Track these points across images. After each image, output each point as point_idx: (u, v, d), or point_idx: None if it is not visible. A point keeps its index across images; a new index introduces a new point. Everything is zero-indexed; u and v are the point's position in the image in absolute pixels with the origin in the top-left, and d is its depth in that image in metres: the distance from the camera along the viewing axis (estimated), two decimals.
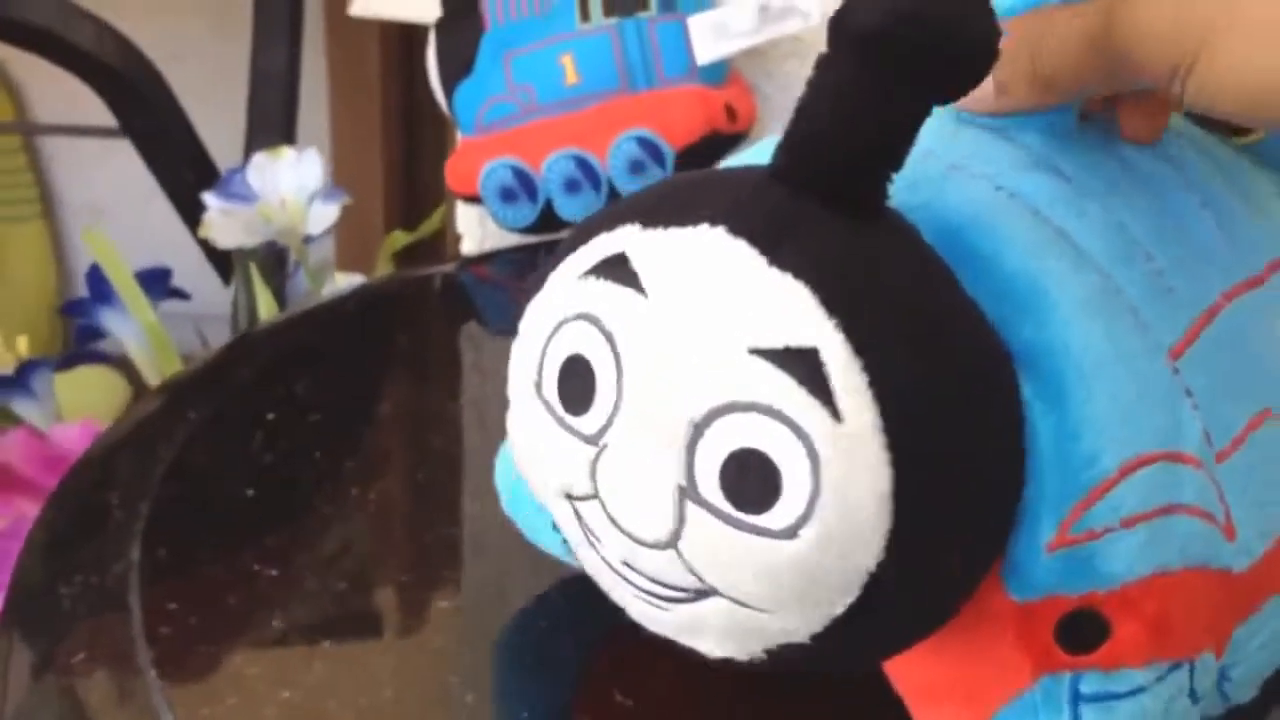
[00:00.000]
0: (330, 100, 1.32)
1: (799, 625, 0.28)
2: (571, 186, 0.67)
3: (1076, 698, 0.31)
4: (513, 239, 0.72)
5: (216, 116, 1.09)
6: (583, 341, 0.29)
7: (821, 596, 0.28)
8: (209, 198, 0.80)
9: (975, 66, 0.26)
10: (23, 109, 1.50)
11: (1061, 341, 0.30)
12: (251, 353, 0.59)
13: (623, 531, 0.29)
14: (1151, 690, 0.31)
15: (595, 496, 0.29)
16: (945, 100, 0.27)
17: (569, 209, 0.68)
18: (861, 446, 0.26)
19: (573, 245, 0.30)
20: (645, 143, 0.66)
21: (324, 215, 0.79)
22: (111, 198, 1.47)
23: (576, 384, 0.29)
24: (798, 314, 0.26)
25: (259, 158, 0.81)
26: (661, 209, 0.29)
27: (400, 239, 1.00)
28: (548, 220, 0.69)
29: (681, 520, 0.28)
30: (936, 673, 0.32)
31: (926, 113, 0.27)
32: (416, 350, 0.62)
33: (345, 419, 0.53)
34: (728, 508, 0.27)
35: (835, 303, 0.26)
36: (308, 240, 0.84)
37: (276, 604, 0.43)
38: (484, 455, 0.52)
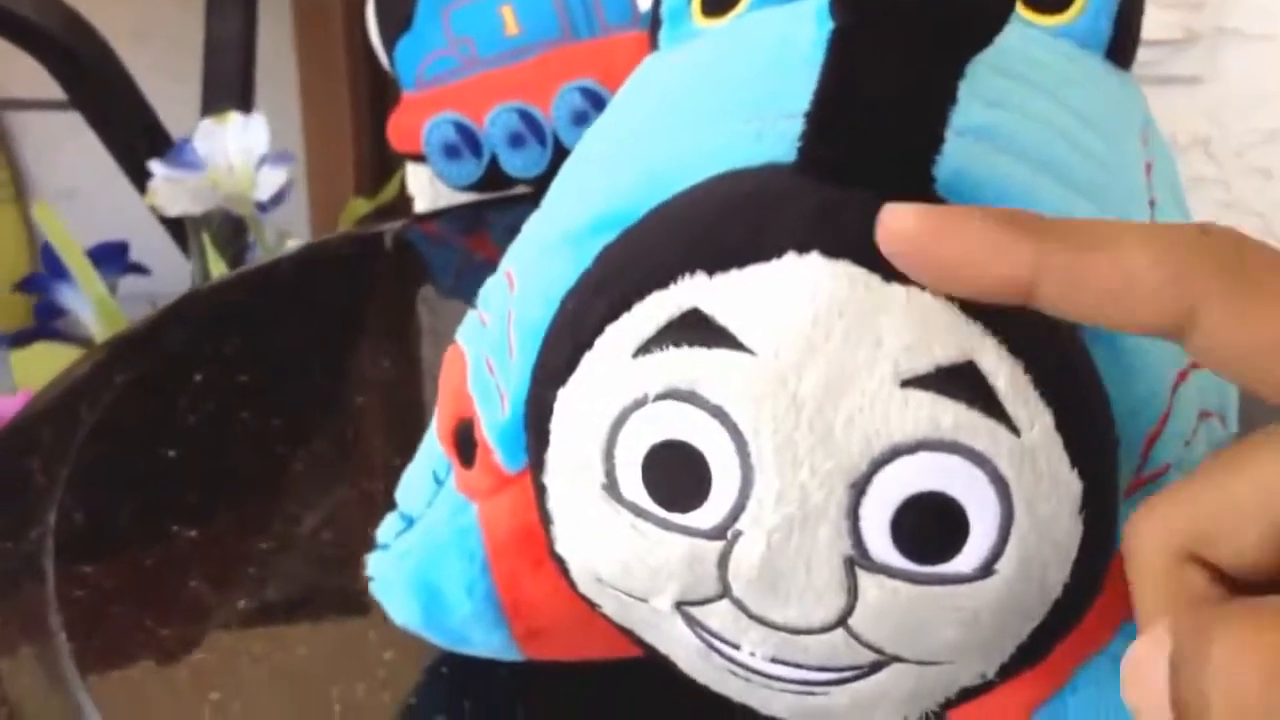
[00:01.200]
0: (298, 67, 1.31)
1: (985, 666, 0.26)
2: (516, 140, 0.66)
3: None
4: (466, 198, 0.71)
5: (182, 92, 1.08)
6: (676, 425, 0.24)
7: (1015, 629, 0.25)
8: (155, 165, 0.79)
9: (1002, 13, 0.23)
10: None
11: None
12: (187, 315, 0.58)
13: (772, 626, 0.25)
14: None
15: (724, 596, 0.25)
16: (975, 54, 0.23)
17: (514, 164, 0.67)
18: (1045, 456, 0.23)
19: (601, 315, 0.25)
20: (589, 93, 0.65)
21: (273, 180, 0.78)
22: (84, 178, 1.46)
23: (677, 475, 0.24)
24: (939, 328, 0.23)
25: (205, 124, 0.80)
26: (722, 246, 0.24)
27: (361, 206, 0.99)
28: (494, 176, 0.67)
29: (854, 594, 0.24)
30: None
31: (961, 75, 0.23)
32: (356, 309, 0.61)
33: (275, 379, 0.52)
34: (908, 565, 0.24)
35: (975, 305, 0.23)
36: (262, 207, 0.83)
37: (193, 565, 0.42)
38: (414, 413, 0.51)
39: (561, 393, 0.26)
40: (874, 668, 0.25)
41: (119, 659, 0.38)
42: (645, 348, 0.24)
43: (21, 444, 0.49)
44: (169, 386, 0.51)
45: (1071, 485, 0.24)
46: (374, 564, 0.35)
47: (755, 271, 0.24)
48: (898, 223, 0.23)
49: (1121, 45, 0.37)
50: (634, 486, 0.25)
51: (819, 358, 0.23)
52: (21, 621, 0.40)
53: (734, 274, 0.24)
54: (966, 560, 0.23)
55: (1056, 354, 0.24)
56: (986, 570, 0.24)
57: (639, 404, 0.24)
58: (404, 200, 1.10)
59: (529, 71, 0.66)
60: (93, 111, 0.95)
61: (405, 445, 0.48)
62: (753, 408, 0.23)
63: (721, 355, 0.23)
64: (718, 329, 0.24)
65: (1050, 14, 0.36)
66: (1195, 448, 0.28)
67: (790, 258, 0.23)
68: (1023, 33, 0.35)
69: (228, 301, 0.61)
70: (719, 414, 0.23)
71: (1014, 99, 0.30)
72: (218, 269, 0.86)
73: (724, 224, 0.25)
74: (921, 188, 0.24)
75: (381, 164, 1.30)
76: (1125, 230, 0.21)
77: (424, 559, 0.33)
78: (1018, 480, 0.23)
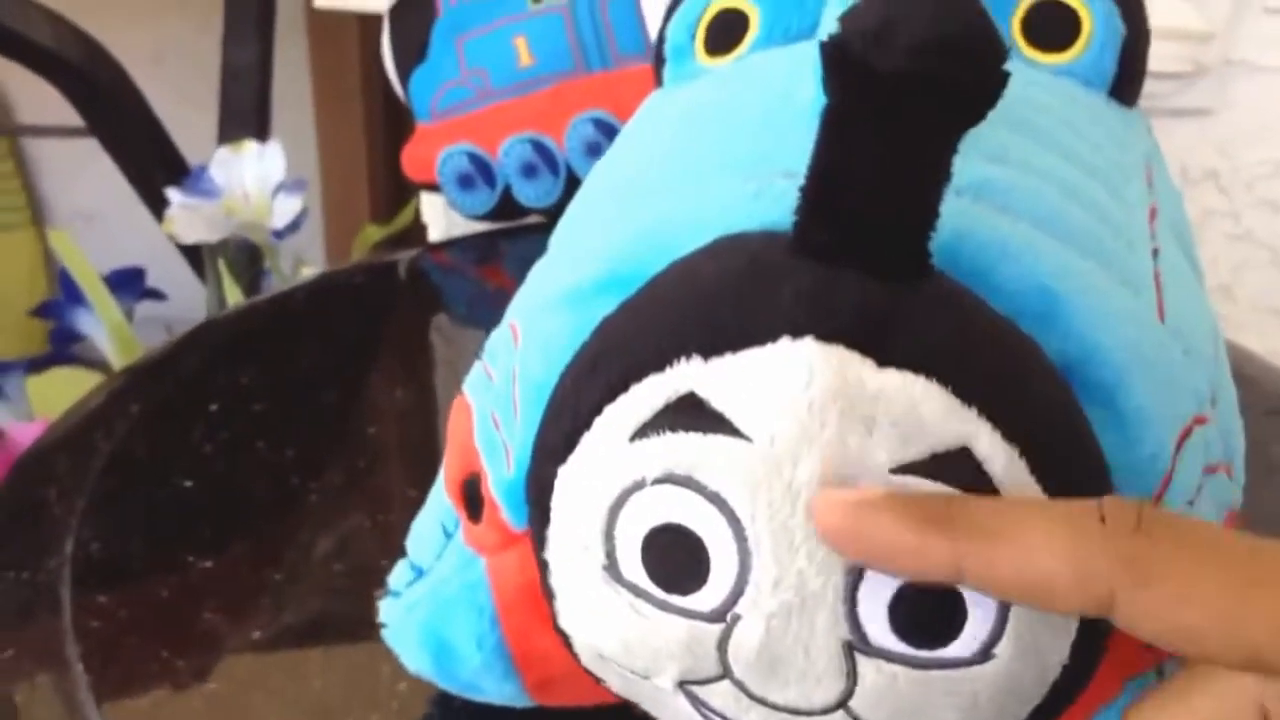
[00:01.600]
0: (314, 95, 1.31)
1: None
2: (529, 171, 0.67)
3: None
4: (479, 227, 0.71)
5: (197, 118, 1.09)
6: (674, 509, 0.24)
7: (1015, 711, 0.25)
8: (172, 193, 0.79)
9: (996, 88, 0.22)
10: (6, 114, 1.50)
11: (1092, 345, 0.26)
12: (203, 344, 0.58)
13: (773, 707, 0.25)
14: None
15: (724, 677, 0.25)
16: (968, 129, 0.23)
17: (527, 194, 0.67)
18: None
19: (599, 396, 0.25)
20: (601, 124, 0.65)
21: (288, 208, 0.78)
22: (100, 204, 1.47)
23: (676, 558, 0.24)
24: (933, 413, 0.23)
25: (222, 152, 0.81)
26: (716, 329, 0.24)
27: (375, 233, 1.00)
28: (507, 206, 0.68)
29: (853, 677, 0.24)
30: None
31: (955, 151, 0.23)
32: (370, 338, 0.61)
33: (290, 409, 0.53)
34: (907, 649, 0.24)
35: (969, 389, 0.23)
36: (278, 234, 0.84)
37: (208, 596, 0.42)
38: (429, 443, 0.51)
39: (561, 471, 0.26)
40: None
41: (135, 689, 0.38)
42: (642, 431, 0.24)
43: (38, 474, 0.49)
44: (185, 416, 0.52)
45: None
46: (385, 611, 0.36)
47: (750, 356, 0.24)
48: (824, 518, 0.23)
49: (1126, 82, 0.37)
50: (634, 568, 0.25)
51: (814, 445, 0.23)
52: (38, 651, 0.40)
53: (729, 358, 0.24)
54: (964, 645, 0.24)
55: (1053, 436, 0.24)
56: (985, 654, 0.24)
57: (637, 487, 0.24)
58: (418, 227, 1.11)
59: (542, 102, 0.66)
60: (110, 138, 0.95)
61: (419, 476, 0.48)
62: (749, 495, 0.23)
63: (718, 441, 0.24)
64: (713, 414, 0.24)
65: (1053, 52, 0.36)
66: (1200, 505, 0.29)
67: (785, 342, 0.23)
68: (1024, 75, 0.35)
69: (243, 330, 0.61)
70: (716, 500, 0.24)
71: (1014, 152, 0.30)
72: (234, 296, 0.86)
73: (718, 305, 0.24)
74: (917, 265, 0.24)
75: (396, 191, 1.31)
76: (1033, 528, 0.22)
77: (433, 611, 0.34)
78: None
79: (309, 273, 0.86)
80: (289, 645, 0.40)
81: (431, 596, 0.34)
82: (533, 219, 0.69)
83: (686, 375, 0.24)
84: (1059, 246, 0.27)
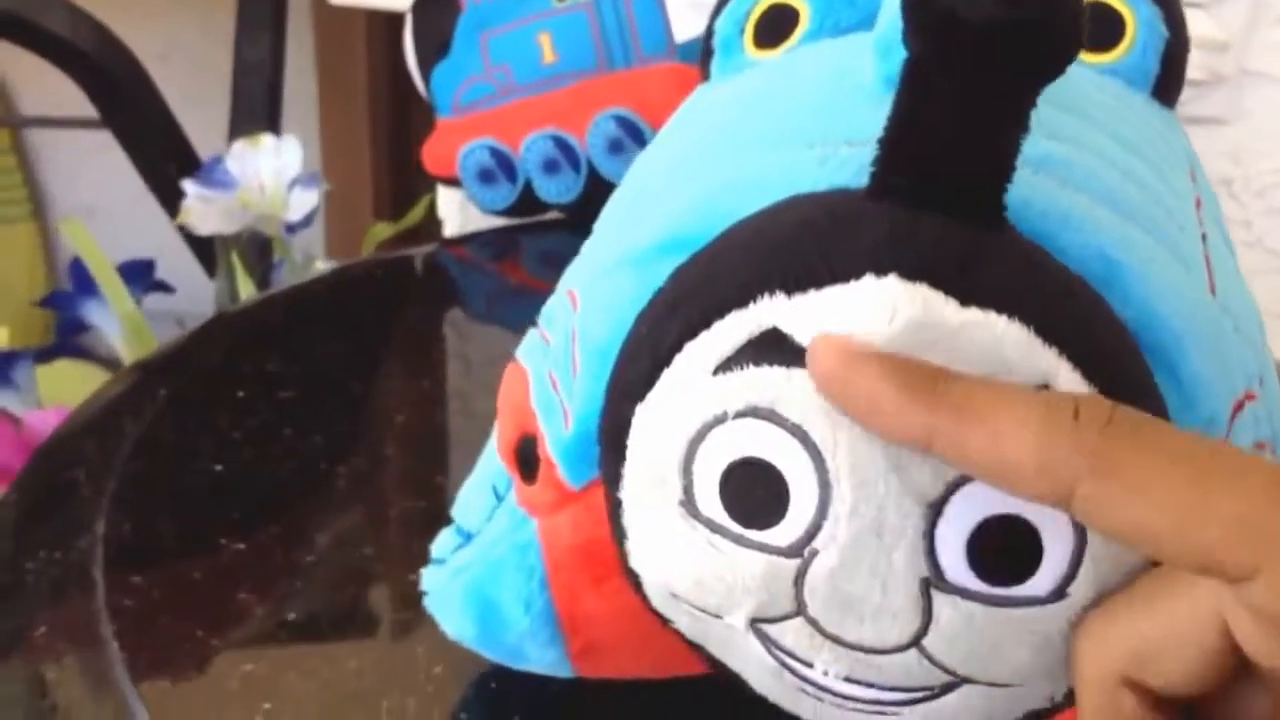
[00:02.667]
0: (319, 91, 1.32)
1: (1053, 689, 0.26)
2: (550, 167, 0.67)
3: None
4: (494, 223, 0.71)
5: (205, 115, 1.09)
6: (754, 442, 0.24)
7: None
8: (188, 185, 0.79)
9: (1076, 43, 0.23)
10: (9, 106, 1.50)
11: (1151, 311, 0.26)
12: (224, 333, 0.59)
13: (846, 645, 0.25)
14: None
15: (799, 614, 0.26)
16: (1048, 83, 0.23)
17: (548, 190, 0.67)
18: None
19: (679, 333, 0.25)
20: (624, 122, 0.66)
21: (304, 201, 0.79)
22: (102, 198, 1.47)
23: (755, 492, 0.25)
24: (1015, 351, 0.23)
25: (238, 145, 0.81)
26: (801, 267, 0.24)
27: (383, 231, 1.00)
28: (527, 201, 0.68)
29: (928, 614, 0.24)
30: None
31: (1034, 104, 0.24)
32: (390, 330, 0.61)
33: (316, 397, 0.53)
34: (983, 587, 0.24)
35: (1049, 329, 0.23)
36: (290, 228, 0.84)
37: (241, 577, 0.42)
38: (453, 432, 0.51)
39: (639, 409, 0.26)
40: (945, 689, 0.26)
41: (170, 668, 0.39)
42: (725, 366, 0.25)
43: (65, 457, 0.49)
44: (211, 402, 0.52)
45: None
46: (428, 578, 0.36)
47: (834, 292, 0.24)
48: (818, 359, 0.24)
49: (1168, 84, 0.37)
50: (712, 503, 0.25)
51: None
52: (71, 630, 0.40)
53: (812, 294, 0.24)
54: (1041, 583, 0.24)
55: (1129, 380, 0.24)
56: (1060, 593, 0.24)
57: (718, 421, 0.25)
58: (426, 225, 1.11)
59: (565, 99, 0.67)
60: (123, 130, 0.95)
61: (444, 465, 0.49)
62: (831, 427, 0.24)
63: (801, 374, 0.24)
64: (797, 349, 0.24)
65: (1099, 52, 0.37)
66: None
67: (869, 279, 0.24)
68: (1074, 69, 0.35)
69: (263, 321, 0.61)
70: (798, 432, 0.24)
71: (1070, 132, 0.30)
72: (246, 289, 0.86)
73: (800, 245, 0.25)
74: (993, 215, 0.25)
75: (400, 188, 1.31)
76: (1006, 411, 0.22)
77: (481, 573, 0.34)
78: None
79: (321, 266, 0.86)
80: (324, 627, 0.41)
81: (480, 558, 0.34)
82: (552, 215, 0.69)
83: (770, 311, 0.24)
84: (1118, 219, 0.28)
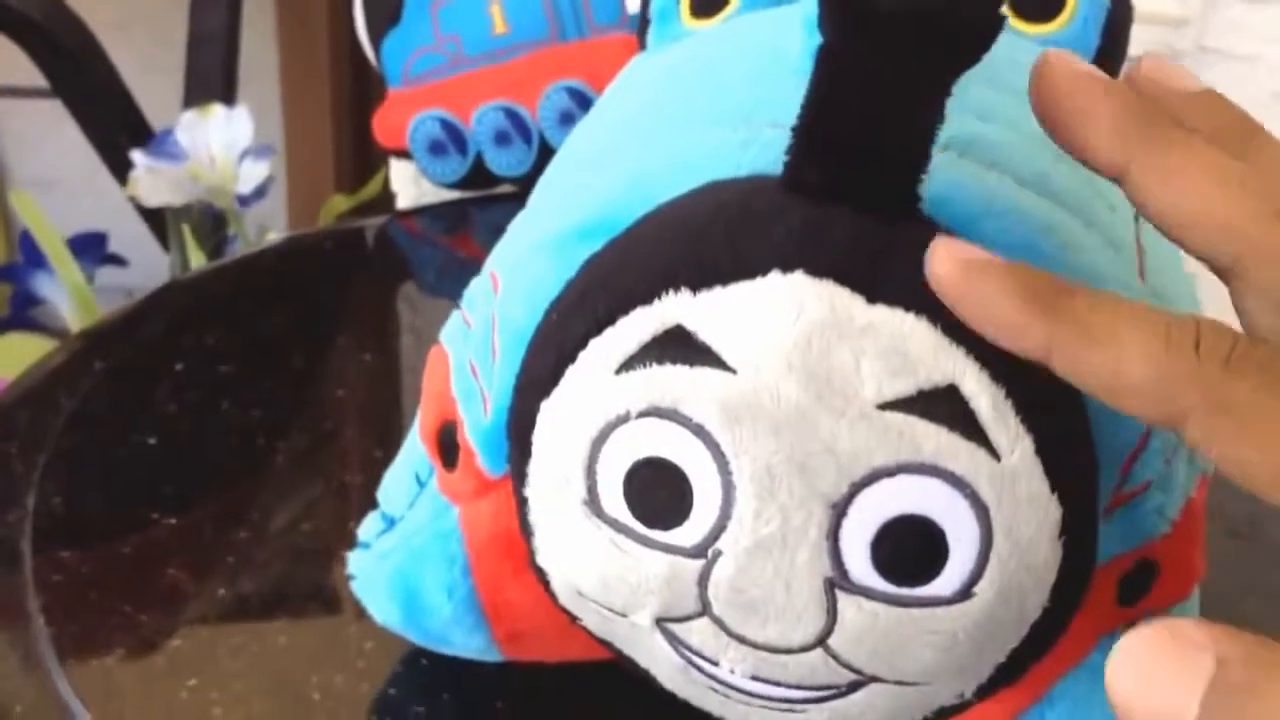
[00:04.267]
0: (280, 62, 1.30)
1: (962, 687, 0.26)
2: (502, 139, 0.66)
3: None
4: (449, 196, 0.71)
5: (161, 84, 1.07)
6: (657, 442, 0.24)
7: (993, 651, 0.25)
8: (137, 155, 0.78)
9: (991, 31, 0.22)
10: None
11: None
12: (168, 304, 0.58)
13: (751, 645, 0.25)
14: (1194, 614, 0.30)
15: (704, 614, 0.25)
16: (963, 72, 0.23)
17: (500, 162, 0.67)
18: (1025, 481, 0.23)
19: (584, 329, 0.25)
20: (576, 93, 0.65)
21: (254, 173, 0.78)
22: (59, 170, 1.45)
23: (658, 493, 0.24)
24: (922, 350, 0.23)
25: (188, 116, 0.80)
26: (706, 262, 0.24)
27: (341, 203, 0.99)
28: (478, 174, 0.67)
29: (833, 615, 0.24)
30: None
31: (949, 93, 0.23)
32: (338, 302, 0.61)
33: (255, 370, 0.52)
34: (888, 587, 0.24)
35: (956, 328, 0.23)
36: (243, 201, 0.83)
37: (172, 553, 0.41)
38: (396, 407, 0.51)
39: (544, 405, 0.26)
40: (852, 687, 0.25)
41: (97, 644, 0.38)
42: (628, 364, 0.24)
43: None
44: (149, 375, 0.51)
45: (1051, 510, 0.24)
46: (354, 562, 0.35)
47: (739, 289, 0.23)
48: (938, 264, 0.23)
49: (1109, 56, 0.37)
50: (615, 503, 0.25)
51: (801, 378, 0.23)
52: None
53: (718, 291, 0.24)
54: (946, 583, 0.24)
55: (1037, 379, 0.24)
56: (965, 593, 0.24)
57: (621, 420, 0.24)
58: (384, 198, 1.10)
59: (516, 71, 0.66)
60: (74, 99, 0.94)
61: (385, 439, 0.48)
62: (734, 427, 0.23)
63: (704, 374, 0.23)
64: (700, 347, 0.23)
65: (1038, 23, 0.37)
66: (1176, 465, 0.29)
67: (775, 276, 0.23)
68: (1011, 41, 0.35)
69: (208, 292, 0.60)
70: (700, 433, 0.23)
71: (1001, 111, 0.30)
72: (197, 261, 0.85)
73: (708, 240, 0.24)
74: (908, 205, 0.24)
75: (362, 161, 1.30)
76: (1129, 333, 0.22)
77: (404, 561, 0.33)
78: (998, 504, 0.23)
79: (274, 239, 0.85)
80: (254, 604, 0.40)
81: (403, 546, 0.33)
82: (504, 188, 0.69)
83: (674, 308, 0.24)
84: (1044, 203, 0.27)
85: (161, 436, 0.47)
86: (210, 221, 0.91)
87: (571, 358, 0.25)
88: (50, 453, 0.46)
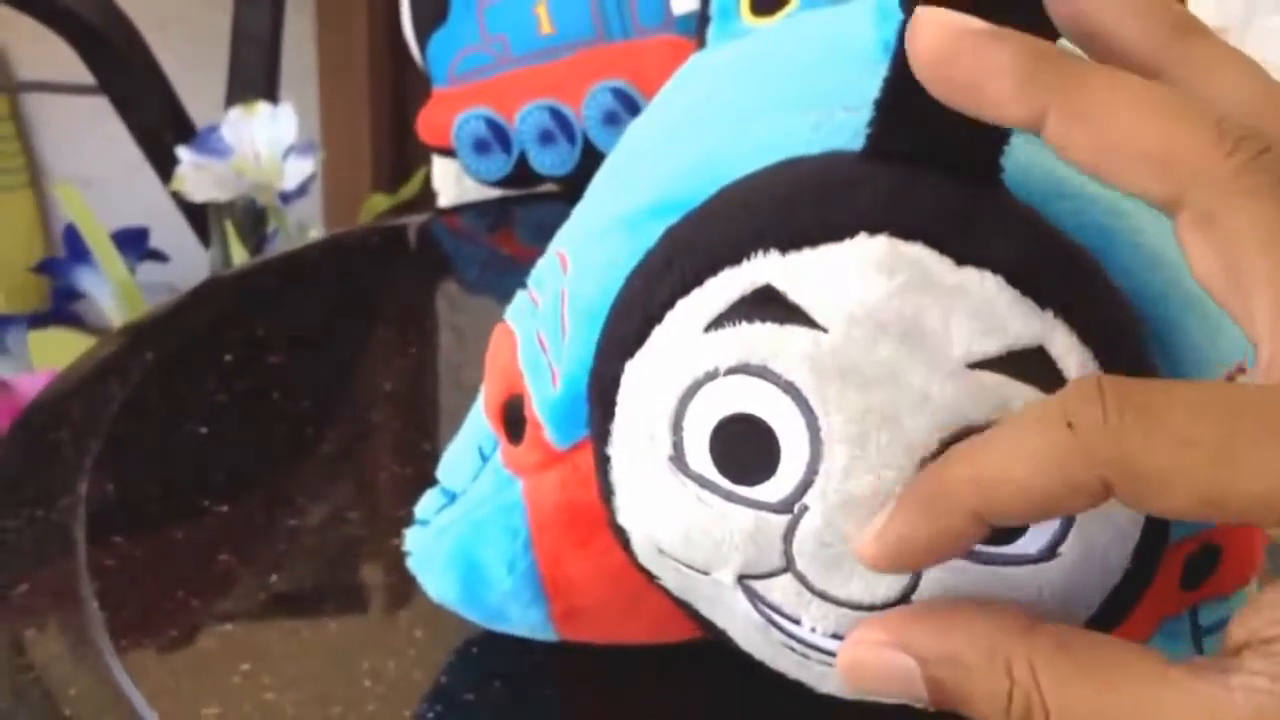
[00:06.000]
0: (319, 61, 1.31)
1: None
2: (546, 138, 0.67)
3: (1197, 631, 0.30)
4: (489, 194, 0.71)
5: (204, 84, 1.08)
6: (746, 398, 0.24)
7: (1076, 612, 0.25)
8: (183, 152, 0.79)
9: None
10: (7, 73, 1.49)
11: (1143, 280, 0.26)
12: (216, 297, 0.58)
13: (834, 602, 0.25)
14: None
15: (787, 570, 0.26)
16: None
17: (543, 161, 0.67)
18: None
19: (672, 289, 0.25)
20: (620, 94, 0.65)
21: (298, 170, 0.78)
22: (100, 166, 1.46)
23: (746, 448, 0.25)
24: (1010, 312, 0.23)
25: (234, 113, 0.81)
26: (795, 225, 0.24)
27: (380, 203, 0.99)
28: (522, 173, 0.68)
29: (918, 571, 0.24)
30: None
31: None
32: (382, 298, 0.61)
33: (304, 362, 0.53)
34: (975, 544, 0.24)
35: (1044, 290, 0.23)
36: (285, 197, 0.84)
37: (224, 539, 0.42)
38: (442, 400, 0.51)
39: (629, 365, 0.26)
40: None
41: (150, 628, 0.38)
42: (717, 322, 0.24)
43: (51, 417, 0.49)
44: (199, 365, 0.52)
45: None
46: (412, 539, 0.36)
47: (828, 250, 0.24)
48: (917, 35, 0.23)
49: None
50: (701, 459, 0.25)
51: (890, 337, 0.23)
52: (52, 588, 0.40)
53: (807, 253, 0.24)
54: (1032, 541, 0.24)
55: (1124, 344, 0.24)
56: (1051, 552, 0.24)
57: (710, 377, 0.25)
58: (425, 198, 1.11)
59: (561, 71, 0.66)
60: (120, 96, 0.95)
61: (431, 431, 0.48)
62: (824, 384, 0.24)
63: (793, 332, 0.24)
64: (790, 306, 0.24)
65: None
66: None
67: (862, 238, 0.24)
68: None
69: (254, 286, 0.61)
70: (790, 389, 0.24)
71: None
72: (239, 257, 0.86)
73: (795, 204, 0.25)
74: (990, 176, 0.24)
75: (399, 160, 1.31)
76: (1125, 107, 0.22)
77: (466, 533, 0.34)
78: None
79: (315, 236, 0.86)
80: (305, 590, 0.40)
81: (464, 519, 0.34)
82: (547, 187, 0.69)
83: (763, 268, 0.24)
84: (1110, 191, 0.28)
85: (212, 425, 0.48)
86: (252, 218, 0.92)
87: (659, 318, 0.25)
88: (103, 441, 0.46)
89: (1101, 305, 0.24)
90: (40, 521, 0.43)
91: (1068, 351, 0.23)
